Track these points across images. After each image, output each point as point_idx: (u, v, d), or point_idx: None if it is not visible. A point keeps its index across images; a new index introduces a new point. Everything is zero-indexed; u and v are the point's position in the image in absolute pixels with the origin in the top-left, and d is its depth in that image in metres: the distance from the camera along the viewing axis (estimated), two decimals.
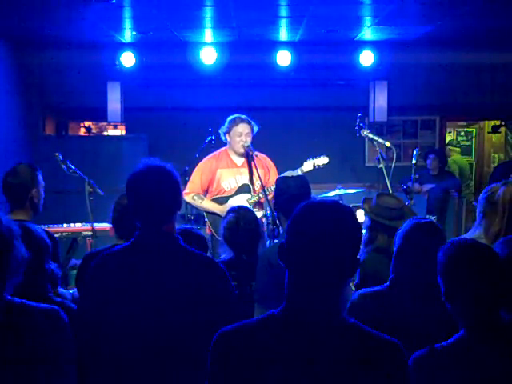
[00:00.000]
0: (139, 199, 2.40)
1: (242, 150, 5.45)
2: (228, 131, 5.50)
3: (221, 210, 5.36)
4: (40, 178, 3.71)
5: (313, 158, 5.57)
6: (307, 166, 5.53)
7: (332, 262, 1.66)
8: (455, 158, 10.22)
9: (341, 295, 1.71)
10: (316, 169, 5.54)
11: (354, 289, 3.45)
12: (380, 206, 3.58)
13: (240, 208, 3.99)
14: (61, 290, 3.46)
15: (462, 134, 11.64)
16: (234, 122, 5.45)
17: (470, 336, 2.05)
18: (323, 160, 5.59)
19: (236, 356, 1.69)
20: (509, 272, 2.14)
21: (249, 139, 5.42)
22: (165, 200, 2.39)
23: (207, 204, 5.51)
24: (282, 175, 3.75)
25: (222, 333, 1.75)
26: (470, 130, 11.58)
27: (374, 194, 6.93)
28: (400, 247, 2.64)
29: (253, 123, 5.48)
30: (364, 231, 3.62)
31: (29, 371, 1.97)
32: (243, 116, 5.50)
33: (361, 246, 2.68)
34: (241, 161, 5.56)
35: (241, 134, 5.42)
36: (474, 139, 11.57)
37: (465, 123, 11.31)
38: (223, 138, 5.60)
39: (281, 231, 4.05)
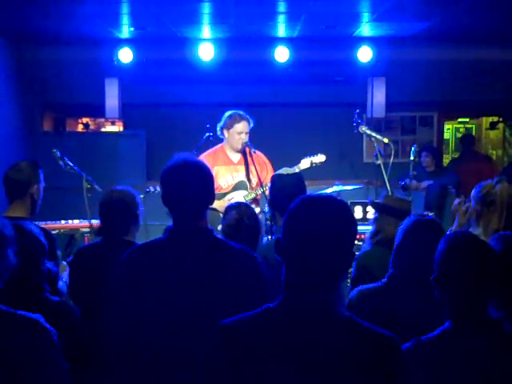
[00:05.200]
0: (173, 194, 2.42)
1: (240, 147, 5.43)
2: (227, 128, 5.45)
3: (219, 205, 5.36)
4: (42, 176, 3.71)
5: (310, 156, 5.58)
6: (304, 163, 5.53)
7: (328, 255, 1.67)
8: None
9: (337, 289, 1.72)
10: (313, 167, 5.55)
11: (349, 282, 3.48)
12: (390, 199, 3.65)
13: (240, 204, 4.00)
14: (60, 283, 3.47)
15: (462, 130, 11.64)
16: (235, 120, 5.41)
17: (455, 328, 2.06)
18: (320, 158, 5.60)
19: (234, 348, 1.70)
20: (502, 268, 2.14)
21: (247, 137, 5.41)
22: (198, 195, 2.42)
23: None
24: (278, 172, 3.75)
25: (220, 326, 1.76)
26: (470, 126, 11.58)
27: (372, 191, 6.97)
28: (400, 243, 2.65)
29: (250, 120, 5.47)
30: (370, 227, 3.65)
31: (9, 380, 1.90)
32: (242, 112, 5.48)
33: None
34: (237, 158, 5.55)
35: (241, 132, 5.40)
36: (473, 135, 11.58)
37: (467, 119, 11.31)
38: (219, 133, 5.55)
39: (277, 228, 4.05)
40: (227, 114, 5.51)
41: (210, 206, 5.34)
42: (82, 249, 3.56)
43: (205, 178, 2.46)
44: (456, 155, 11.06)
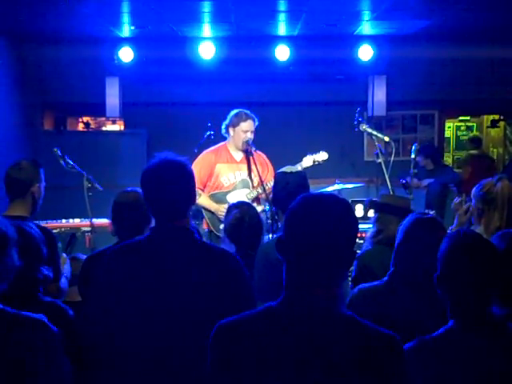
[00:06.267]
0: (153, 194, 2.41)
1: (243, 146, 5.43)
2: (233, 126, 5.44)
3: (215, 208, 5.37)
4: (42, 175, 3.71)
5: (312, 154, 5.57)
6: (307, 161, 5.52)
7: (329, 253, 1.67)
8: None
9: (338, 287, 1.72)
10: (315, 165, 5.54)
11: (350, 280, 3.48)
12: (388, 197, 3.64)
13: (242, 204, 4.02)
14: (62, 280, 3.47)
15: (463, 128, 11.63)
16: (241, 118, 5.40)
17: (458, 327, 2.05)
18: (323, 156, 5.58)
19: (235, 348, 1.70)
20: (505, 266, 2.14)
21: (252, 136, 5.41)
22: (179, 195, 2.39)
23: (203, 200, 5.47)
24: (281, 170, 3.74)
25: (221, 325, 1.76)
26: (471, 124, 11.57)
27: (372, 189, 6.97)
28: (401, 242, 2.64)
29: (256, 119, 5.47)
30: (371, 226, 3.65)
31: (14, 380, 1.91)
32: (248, 112, 5.47)
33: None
34: (240, 156, 5.55)
35: (247, 131, 5.39)
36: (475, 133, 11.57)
37: (468, 117, 11.31)
38: (224, 131, 5.55)
39: (279, 226, 4.06)
40: (233, 112, 5.50)
41: (209, 209, 5.40)
42: (93, 255, 3.54)
43: (184, 177, 2.43)
44: (458, 154, 11.09)
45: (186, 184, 2.44)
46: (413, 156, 5.88)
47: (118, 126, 9.47)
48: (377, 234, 3.53)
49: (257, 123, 5.47)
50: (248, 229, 3.78)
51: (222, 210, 5.26)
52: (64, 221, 5.91)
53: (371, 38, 7.74)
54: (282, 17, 6.71)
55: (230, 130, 5.47)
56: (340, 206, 1.73)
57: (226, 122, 5.50)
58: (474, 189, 3.50)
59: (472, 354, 2.00)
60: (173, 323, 2.27)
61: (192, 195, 2.48)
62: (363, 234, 4.32)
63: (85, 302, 3.28)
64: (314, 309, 1.67)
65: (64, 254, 3.86)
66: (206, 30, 7.30)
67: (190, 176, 2.46)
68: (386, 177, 5.34)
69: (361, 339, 1.67)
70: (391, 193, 5.00)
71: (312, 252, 1.66)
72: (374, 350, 1.66)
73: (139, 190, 3.41)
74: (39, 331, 1.96)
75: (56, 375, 1.98)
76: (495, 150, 11.10)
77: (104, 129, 9.63)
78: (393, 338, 1.71)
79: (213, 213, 5.44)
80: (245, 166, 5.52)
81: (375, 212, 3.67)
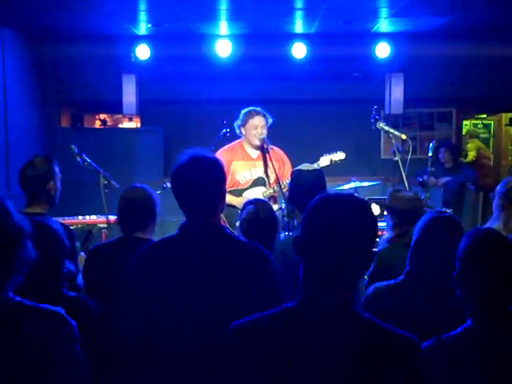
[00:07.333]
0: (186, 191, 2.40)
1: (257, 143, 5.43)
2: (243, 124, 5.47)
3: (238, 201, 5.35)
4: (57, 170, 3.72)
5: (329, 154, 5.54)
6: (324, 161, 5.49)
7: (347, 254, 1.65)
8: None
9: (355, 288, 1.70)
10: (333, 164, 5.52)
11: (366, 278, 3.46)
12: (404, 198, 3.59)
13: (258, 200, 4.00)
14: (79, 277, 3.49)
15: (480, 126, 11.53)
16: (250, 115, 5.43)
17: (477, 326, 2.03)
18: (340, 156, 5.55)
19: (250, 349, 1.69)
20: None
21: (264, 131, 5.40)
22: (211, 191, 2.39)
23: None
24: (298, 168, 3.73)
25: (236, 325, 1.75)
26: (488, 122, 11.47)
27: (389, 187, 6.94)
28: (418, 240, 2.62)
29: (268, 115, 5.46)
30: (386, 233, 3.62)
31: (28, 375, 1.91)
32: (258, 108, 5.48)
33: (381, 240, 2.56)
34: (256, 153, 5.54)
35: (256, 126, 5.39)
36: (492, 132, 11.47)
37: (485, 115, 11.21)
38: (238, 131, 5.57)
39: (295, 224, 4.04)
40: (244, 111, 5.52)
41: (231, 204, 5.40)
42: (96, 247, 3.56)
43: (216, 173, 2.42)
44: None
45: (217, 180, 2.42)
46: (430, 154, 5.85)
47: (135, 124, 9.51)
48: (395, 238, 3.52)
49: (270, 120, 5.46)
50: (262, 225, 3.76)
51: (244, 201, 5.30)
52: (80, 217, 5.95)
53: (388, 36, 7.71)
54: (298, 14, 6.70)
55: (242, 129, 5.50)
56: (359, 207, 1.71)
57: (238, 122, 5.52)
58: (498, 185, 3.51)
59: (491, 354, 1.98)
60: (206, 320, 2.26)
61: (223, 191, 2.46)
62: (380, 233, 4.30)
63: (92, 292, 3.29)
64: (332, 310, 1.66)
65: (82, 253, 3.88)
66: (223, 27, 7.30)
67: (222, 172, 2.45)
68: (403, 175, 5.32)
69: (379, 341, 1.66)
70: (407, 188, 4.96)
71: (330, 252, 1.65)
72: (392, 352, 1.65)
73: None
74: (56, 323, 1.97)
75: (73, 368, 1.98)
76: None
77: (120, 126, 9.67)
78: (411, 339, 1.70)
79: (229, 209, 5.43)
80: (261, 164, 5.51)
81: (391, 218, 3.63)
